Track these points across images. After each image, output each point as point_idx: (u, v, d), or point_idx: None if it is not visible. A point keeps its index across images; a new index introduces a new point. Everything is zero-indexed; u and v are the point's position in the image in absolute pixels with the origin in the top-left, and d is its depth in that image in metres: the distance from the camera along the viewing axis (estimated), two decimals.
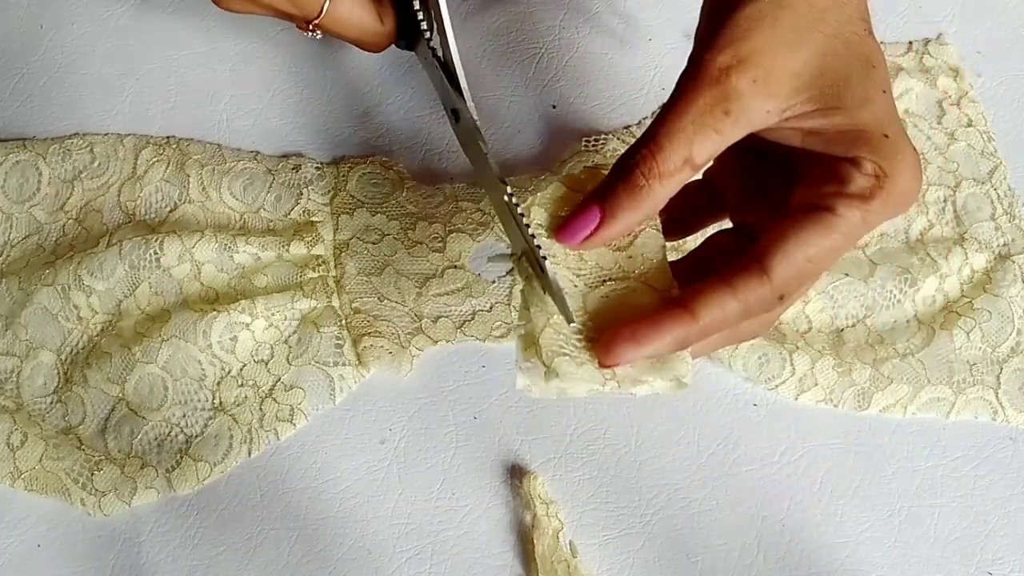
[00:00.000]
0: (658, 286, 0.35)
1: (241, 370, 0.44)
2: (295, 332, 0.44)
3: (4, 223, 0.47)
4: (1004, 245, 0.47)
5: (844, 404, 0.44)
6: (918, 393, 0.44)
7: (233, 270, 0.45)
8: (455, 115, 0.39)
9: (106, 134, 0.49)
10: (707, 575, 0.41)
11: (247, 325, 0.43)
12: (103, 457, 0.43)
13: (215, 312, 0.43)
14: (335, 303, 0.45)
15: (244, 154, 0.48)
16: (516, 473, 0.43)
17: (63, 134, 0.49)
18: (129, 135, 0.49)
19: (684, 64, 0.33)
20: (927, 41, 0.51)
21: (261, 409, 0.43)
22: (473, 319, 0.45)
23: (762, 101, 0.32)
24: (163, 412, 0.43)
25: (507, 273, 0.46)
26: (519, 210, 0.35)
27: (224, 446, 0.43)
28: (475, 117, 0.38)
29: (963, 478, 0.43)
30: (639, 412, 0.44)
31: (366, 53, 0.44)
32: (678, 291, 0.34)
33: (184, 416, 0.43)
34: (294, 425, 0.43)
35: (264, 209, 0.47)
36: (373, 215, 0.47)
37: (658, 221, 0.36)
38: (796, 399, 0.44)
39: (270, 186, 0.47)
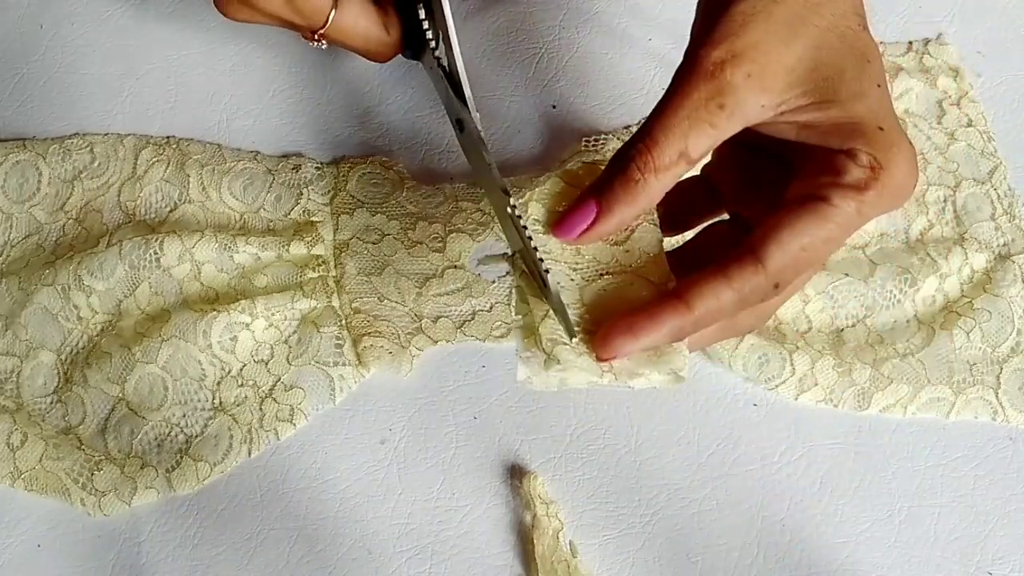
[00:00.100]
0: (655, 280, 0.35)
1: (241, 370, 0.44)
2: (295, 332, 0.44)
3: (4, 223, 0.47)
4: (1004, 245, 0.47)
5: (844, 404, 0.44)
6: (918, 393, 0.44)
7: (233, 270, 0.45)
8: (459, 125, 0.39)
9: (106, 134, 0.49)
10: (707, 575, 0.41)
11: (247, 325, 0.43)
12: (103, 457, 0.43)
13: (215, 312, 0.43)
14: (335, 303, 0.45)
15: (244, 154, 0.48)
16: (516, 473, 0.43)
17: (63, 134, 0.49)
18: (129, 135, 0.49)
19: None
20: (927, 41, 0.51)
21: (261, 409, 0.44)
22: (473, 319, 0.45)
23: (757, 95, 0.32)
24: (163, 412, 0.43)
25: (507, 274, 0.46)
26: (517, 211, 0.35)
27: (224, 446, 0.43)
28: (480, 128, 0.38)
29: (963, 478, 0.43)
30: (639, 412, 0.44)
31: None
32: (675, 284, 0.34)
33: (184, 416, 0.43)
34: (294, 425, 0.43)
35: (264, 209, 0.47)
36: (373, 215, 0.47)
37: (655, 215, 0.36)
38: (796, 399, 0.44)
39: (270, 186, 0.47)
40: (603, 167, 0.34)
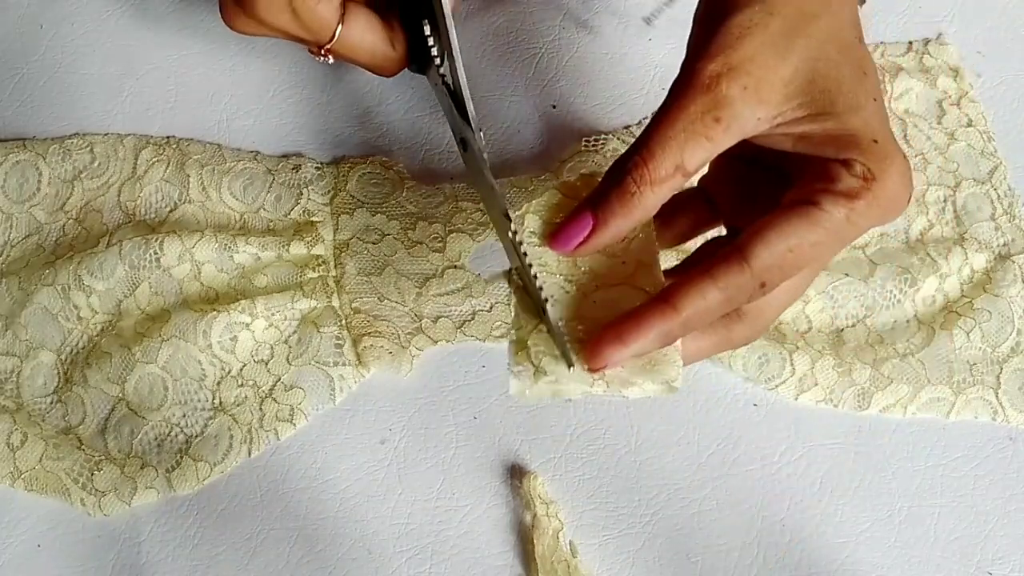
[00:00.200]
0: (651, 291, 0.35)
1: (241, 370, 0.44)
2: (295, 332, 0.44)
3: (4, 223, 0.47)
4: (1004, 245, 0.47)
5: (844, 404, 0.44)
6: (918, 393, 0.44)
7: (233, 270, 0.45)
8: (463, 144, 0.39)
9: (106, 134, 0.49)
10: (707, 575, 0.41)
11: (247, 325, 0.43)
12: (103, 457, 0.43)
13: (215, 312, 0.43)
14: (335, 303, 0.45)
15: (244, 154, 0.48)
16: (516, 473, 0.43)
17: (63, 134, 0.49)
18: (129, 135, 0.49)
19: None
20: (927, 41, 0.51)
21: (261, 409, 0.44)
22: (473, 319, 0.45)
23: (753, 108, 0.32)
24: (163, 412, 0.43)
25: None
26: (517, 237, 0.35)
27: (224, 446, 0.43)
28: (483, 148, 0.38)
29: (963, 478, 0.43)
30: (639, 412, 0.44)
31: None
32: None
33: (184, 416, 0.43)
34: (294, 425, 0.43)
35: (264, 209, 0.47)
36: (373, 215, 0.47)
37: (652, 227, 0.36)
38: (796, 399, 0.44)
39: (270, 186, 0.47)
40: (600, 179, 0.34)
